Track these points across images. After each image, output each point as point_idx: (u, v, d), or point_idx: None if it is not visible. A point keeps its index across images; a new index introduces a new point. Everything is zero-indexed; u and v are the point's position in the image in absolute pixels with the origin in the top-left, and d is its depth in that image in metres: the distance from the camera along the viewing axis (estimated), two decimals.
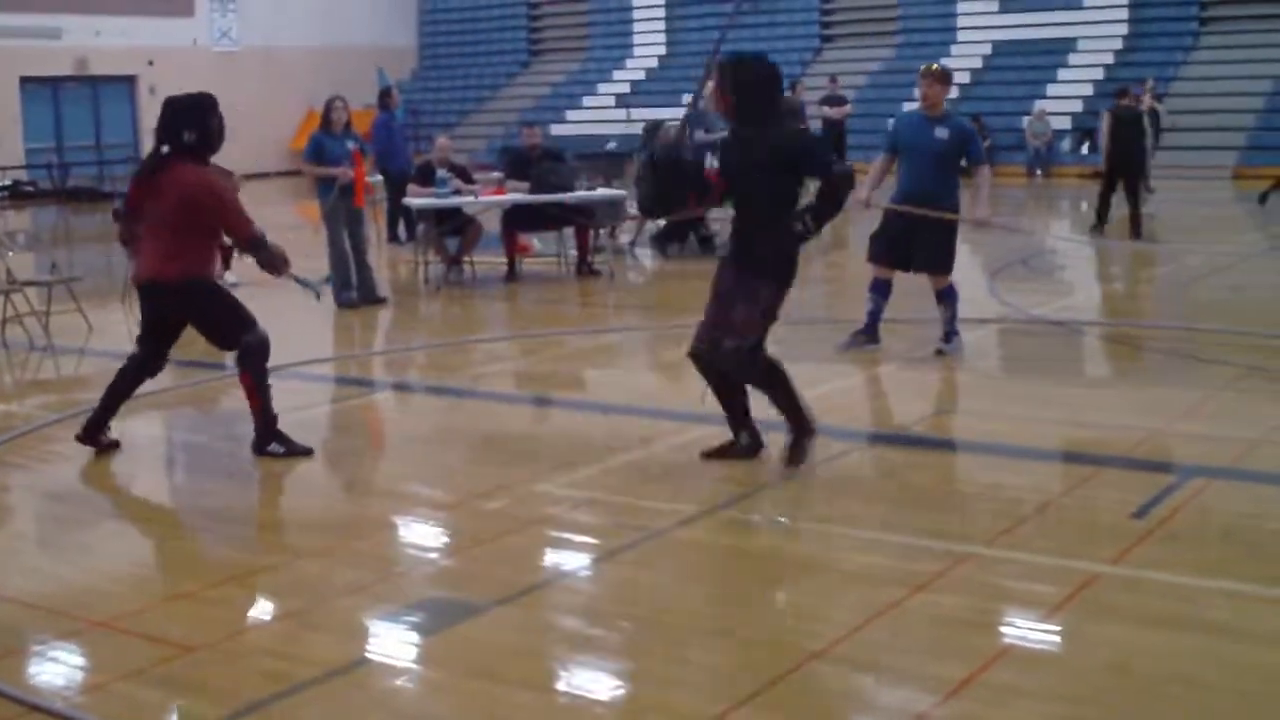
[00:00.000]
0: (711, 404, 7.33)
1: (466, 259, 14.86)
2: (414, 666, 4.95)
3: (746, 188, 7.01)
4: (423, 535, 6.53)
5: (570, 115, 36.77)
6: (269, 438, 7.66)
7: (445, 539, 6.45)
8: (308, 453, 7.69)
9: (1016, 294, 12.89)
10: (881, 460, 7.71)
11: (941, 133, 9.83)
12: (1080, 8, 33.01)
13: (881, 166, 10.26)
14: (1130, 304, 13.71)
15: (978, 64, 33.50)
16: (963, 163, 10.02)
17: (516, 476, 7.16)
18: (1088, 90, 30.60)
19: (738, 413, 7.28)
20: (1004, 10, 33.93)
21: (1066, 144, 30.13)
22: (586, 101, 37.52)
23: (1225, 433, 7.77)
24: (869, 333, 10.19)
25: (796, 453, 7.15)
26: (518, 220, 14.79)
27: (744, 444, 7.30)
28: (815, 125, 27.15)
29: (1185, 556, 5.78)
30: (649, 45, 38.76)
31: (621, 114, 32.95)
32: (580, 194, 14.61)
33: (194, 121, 7.48)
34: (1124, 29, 32.62)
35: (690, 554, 6.09)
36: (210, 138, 7.53)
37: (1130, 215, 17.38)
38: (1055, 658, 4.93)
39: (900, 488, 7.02)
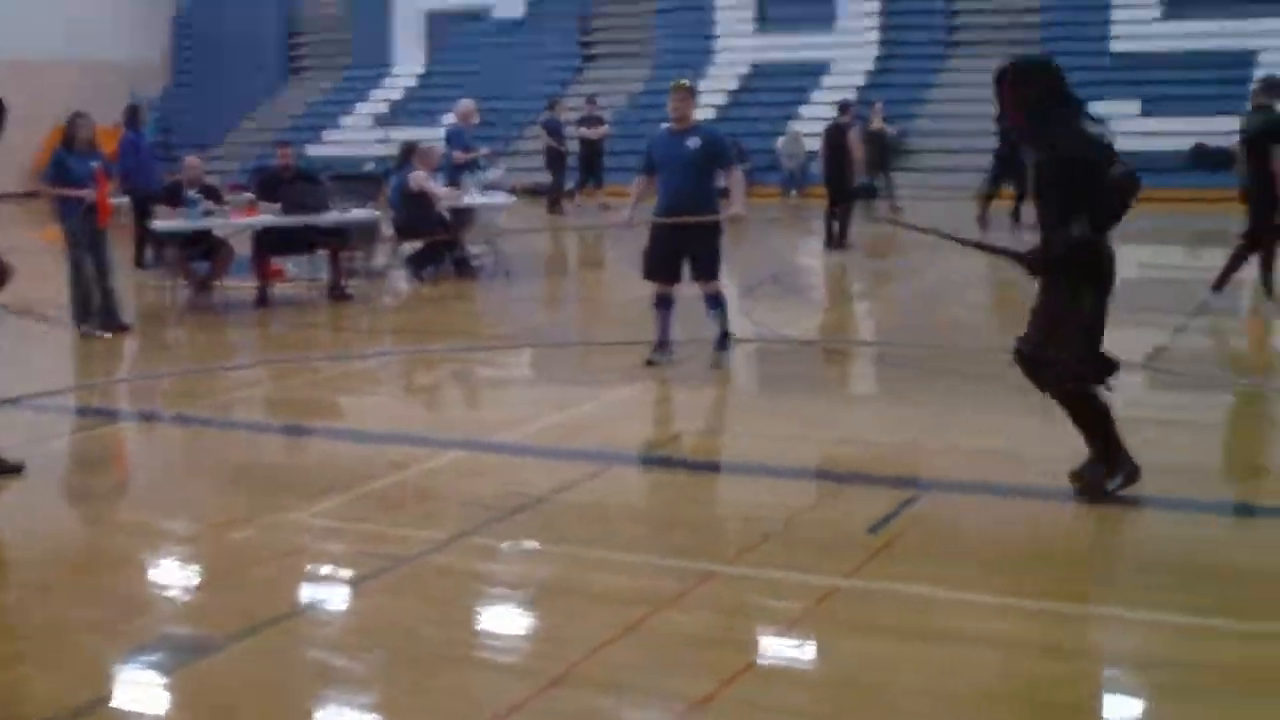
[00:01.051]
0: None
1: (216, 283, 14.55)
2: (153, 706, 4.83)
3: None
4: (164, 569, 6.37)
5: (327, 135, 36.27)
6: None
7: (188, 572, 6.31)
8: (17, 470, 7.53)
9: (767, 313, 13.17)
10: (631, 481, 7.79)
11: (693, 143, 10.18)
12: (833, 31, 33.93)
13: (640, 186, 10.56)
14: (875, 321, 14.11)
15: (734, 85, 34.12)
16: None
17: (264, 506, 7.05)
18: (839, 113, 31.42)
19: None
20: (760, 32, 34.67)
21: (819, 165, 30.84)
22: (344, 121, 37.06)
23: (964, 446, 8.05)
24: (662, 348, 10.41)
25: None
26: (269, 243, 14.54)
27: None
28: (573, 145, 27.39)
29: (917, 568, 5.97)
30: (408, 65, 38.50)
31: (379, 134, 32.64)
32: (334, 216, 14.46)
33: None
34: (875, 50, 33.61)
35: (439, 581, 6.06)
36: None
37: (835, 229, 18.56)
38: (794, 672, 5.06)
39: (648, 508, 7.13)
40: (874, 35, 33.73)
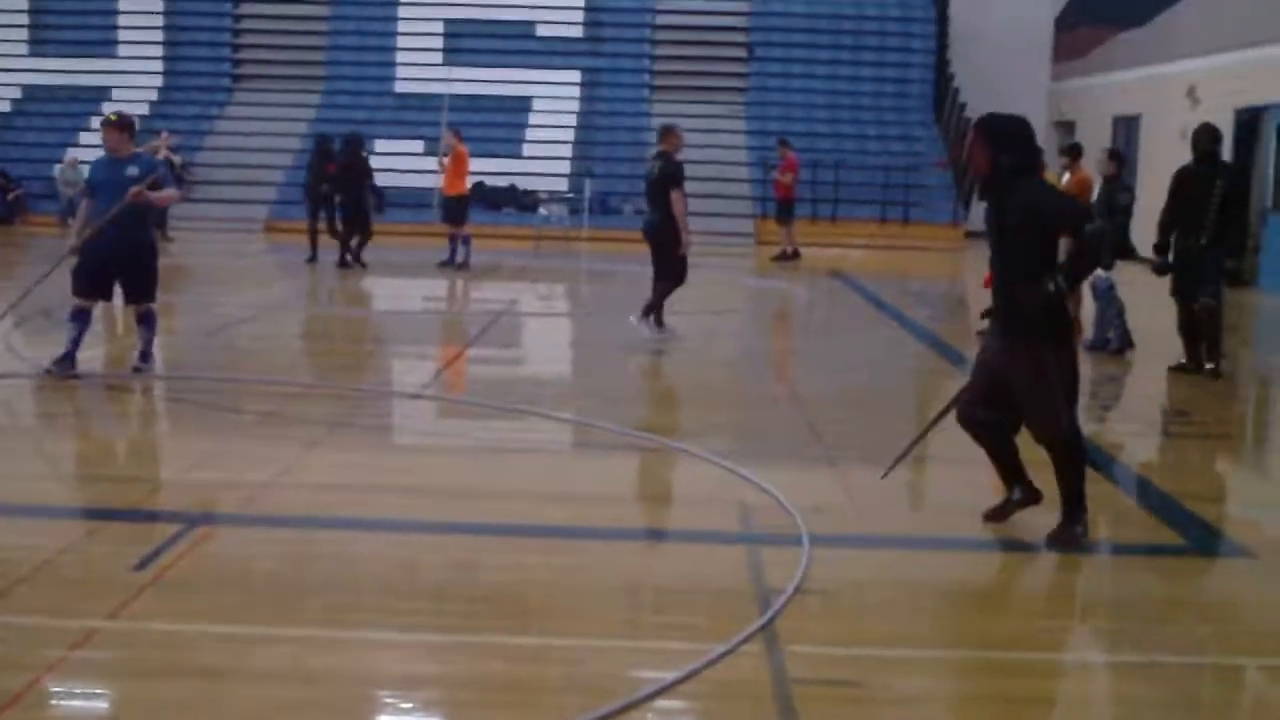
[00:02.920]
0: None
1: None
2: None
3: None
4: None
5: None
6: None
7: None
8: None
9: (34, 347, 12.50)
10: None
11: (132, 170, 10.63)
12: (116, 56, 32.82)
13: (84, 210, 10.87)
14: (159, 354, 13.70)
15: (6, 108, 32.25)
16: None
17: None
18: None
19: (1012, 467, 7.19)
20: (34, 54, 32.96)
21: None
22: None
23: (236, 479, 7.94)
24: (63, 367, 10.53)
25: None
26: None
27: (1018, 498, 7.21)
28: None
29: (184, 604, 5.83)
30: None
31: None
32: None
33: None
34: (159, 80, 32.83)
35: None
36: None
37: None
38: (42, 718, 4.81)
39: None
40: (158, 65, 32.99)
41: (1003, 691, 5.35)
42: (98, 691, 5.02)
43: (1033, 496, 7.21)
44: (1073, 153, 14.54)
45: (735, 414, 10.95)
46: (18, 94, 32.46)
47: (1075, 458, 7.00)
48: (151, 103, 31.97)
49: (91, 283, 10.70)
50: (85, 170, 28.37)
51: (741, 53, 33.63)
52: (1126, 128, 28.82)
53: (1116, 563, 7.18)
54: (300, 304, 16.12)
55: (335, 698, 5.02)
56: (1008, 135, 6.92)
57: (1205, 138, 12.30)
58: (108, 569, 6.23)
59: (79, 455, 8.89)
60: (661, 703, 5.00)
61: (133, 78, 32.54)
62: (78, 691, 5.02)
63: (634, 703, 4.94)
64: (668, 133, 13.68)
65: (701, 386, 12.24)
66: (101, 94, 32.00)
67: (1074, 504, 7.02)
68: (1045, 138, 27.90)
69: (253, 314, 15.71)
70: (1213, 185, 12.03)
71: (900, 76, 33.21)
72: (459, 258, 21.22)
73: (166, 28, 33.13)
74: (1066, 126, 31.21)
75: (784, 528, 7.09)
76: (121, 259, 10.65)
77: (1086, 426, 7.78)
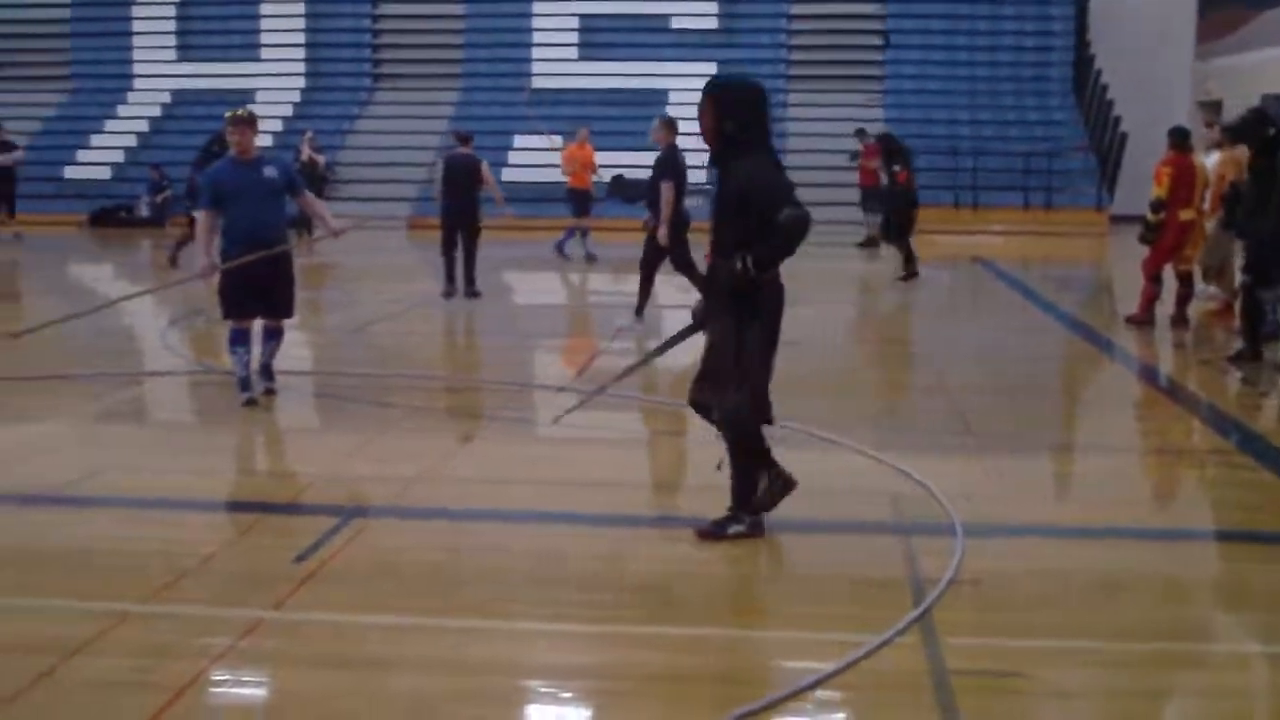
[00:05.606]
0: None
1: None
2: None
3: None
4: None
5: None
6: None
7: None
8: None
9: (192, 345, 12.80)
10: (43, 522, 7.29)
11: (269, 172, 9.89)
12: (259, 59, 33.51)
13: (208, 222, 9.94)
14: (310, 351, 13.97)
15: (157, 112, 33.08)
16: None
17: None
18: (267, 141, 31.01)
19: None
20: (182, 59, 33.76)
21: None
22: None
23: (386, 473, 8.07)
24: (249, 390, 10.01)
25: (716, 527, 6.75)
26: None
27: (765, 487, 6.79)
28: None
29: (344, 595, 5.95)
30: None
31: None
32: None
33: None
34: (301, 81, 33.44)
35: None
36: None
37: None
38: (217, 709, 4.93)
39: (61, 550, 6.68)
40: (300, 67, 33.61)
41: (1166, 685, 5.25)
42: (265, 680, 5.14)
43: (786, 484, 6.80)
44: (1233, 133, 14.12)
45: (883, 403, 10.87)
46: (167, 98, 33.30)
47: (739, 444, 6.65)
48: (294, 104, 32.62)
49: (243, 302, 9.91)
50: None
51: (877, 41, 33.34)
52: (1277, 104, 28.08)
53: (1273, 552, 7.00)
54: (443, 300, 16.30)
55: (495, 687, 5.09)
56: (734, 102, 6.57)
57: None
58: (269, 561, 6.38)
59: (236, 451, 9.08)
60: (820, 694, 4.98)
61: (276, 80, 33.21)
62: (246, 680, 5.13)
63: (793, 694, 4.93)
64: (661, 125, 14.02)
65: (847, 376, 12.18)
66: (246, 96, 32.63)
67: (734, 499, 6.73)
68: (1190, 117, 27.31)
69: (399, 310, 15.92)
70: None
71: (1040, 60, 32.69)
72: (568, 249, 22.21)
73: (308, 30, 33.77)
74: (1214, 106, 30.51)
75: (936, 517, 7.03)
76: (270, 274, 9.89)
77: (1247, 412, 7.60)
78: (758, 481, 6.72)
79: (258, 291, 9.88)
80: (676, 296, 14.46)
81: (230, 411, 9.81)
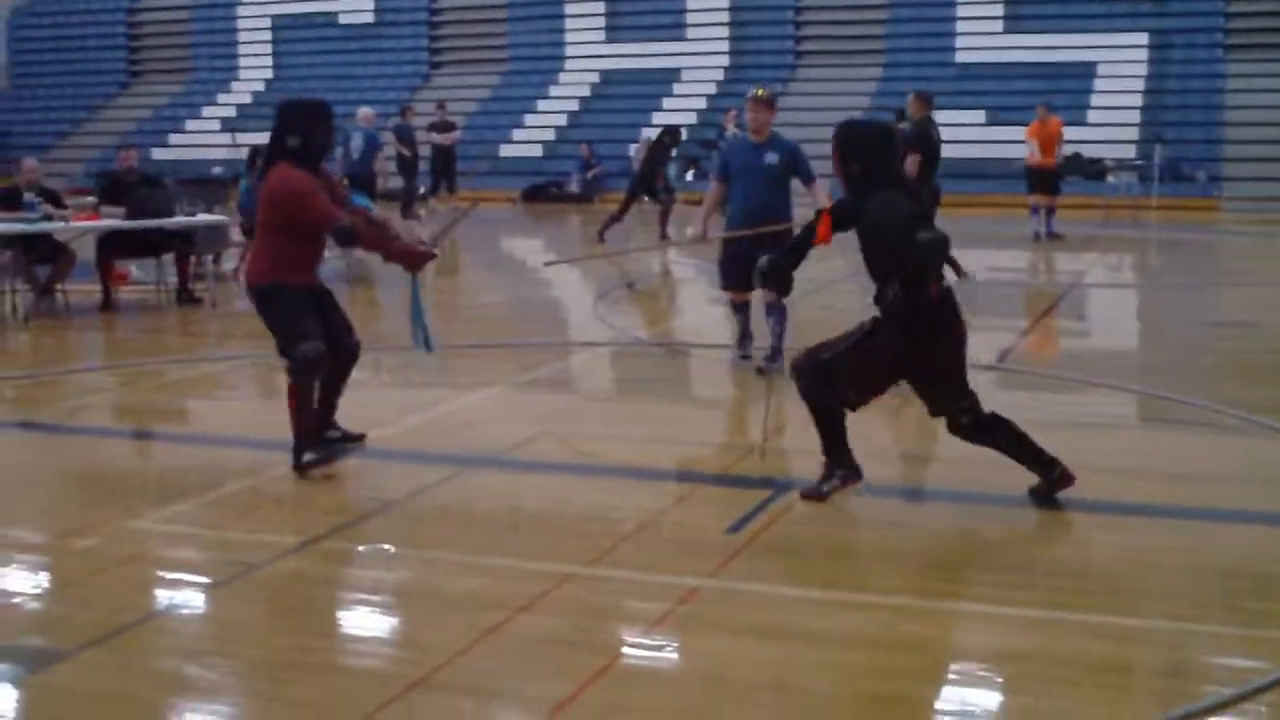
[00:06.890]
0: None
1: (58, 287, 14.16)
2: None
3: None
4: (9, 579, 6.13)
5: (173, 139, 35.63)
6: (301, 449, 7.54)
7: (31, 582, 6.10)
8: (359, 438, 8.05)
9: (622, 316, 13.16)
10: (488, 484, 7.67)
11: (771, 157, 10.15)
12: (684, 39, 34.17)
13: (715, 195, 10.51)
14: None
15: (586, 92, 34.19)
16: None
17: (111, 513, 6.86)
18: (691, 119, 31.61)
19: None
20: (611, 40, 34.78)
21: (672, 170, 31.03)
22: (190, 125, 36.42)
23: (813, 447, 8.05)
24: (745, 340, 10.53)
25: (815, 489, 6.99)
26: (114, 247, 14.20)
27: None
28: (424, 151, 27.16)
29: (776, 567, 6.01)
30: (255, 69, 37.95)
31: (226, 138, 32.15)
32: (180, 219, 14.17)
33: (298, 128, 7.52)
34: (725, 60, 33.90)
35: (291, 586, 5.94)
36: (311, 144, 7.56)
37: None
38: (654, 672, 5.04)
39: (505, 511, 7.03)
40: (724, 45, 34.06)
41: None
42: (700, 646, 5.22)
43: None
44: None
45: None
46: (596, 78, 34.37)
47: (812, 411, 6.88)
48: (718, 82, 33.10)
49: (741, 275, 9.79)
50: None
51: None
52: None
53: None
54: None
55: (926, 666, 5.03)
56: (855, 145, 6.79)
57: None
58: (704, 530, 6.50)
59: (673, 420, 9.23)
60: (1271, 696, 4.70)
61: (701, 59, 33.78)
62: (683, 645, 5.23)
63: (1242, 695, 4.67)
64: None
65: None
66: (672, 75, 33.45)
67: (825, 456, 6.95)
68: None
69: (814, 287, 15.93)
70: None
71: None
72: (1046, 229, 21.54)
73: (732, 9, 34.16)
74: None
75: None
76: (760, 250, 9.54)
77: None
78: (844, 441, 6.91)
79: (746, 265, 9.94)
80: None
81: (663, 383, 10.03)
